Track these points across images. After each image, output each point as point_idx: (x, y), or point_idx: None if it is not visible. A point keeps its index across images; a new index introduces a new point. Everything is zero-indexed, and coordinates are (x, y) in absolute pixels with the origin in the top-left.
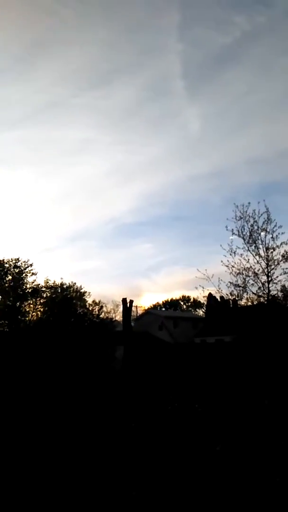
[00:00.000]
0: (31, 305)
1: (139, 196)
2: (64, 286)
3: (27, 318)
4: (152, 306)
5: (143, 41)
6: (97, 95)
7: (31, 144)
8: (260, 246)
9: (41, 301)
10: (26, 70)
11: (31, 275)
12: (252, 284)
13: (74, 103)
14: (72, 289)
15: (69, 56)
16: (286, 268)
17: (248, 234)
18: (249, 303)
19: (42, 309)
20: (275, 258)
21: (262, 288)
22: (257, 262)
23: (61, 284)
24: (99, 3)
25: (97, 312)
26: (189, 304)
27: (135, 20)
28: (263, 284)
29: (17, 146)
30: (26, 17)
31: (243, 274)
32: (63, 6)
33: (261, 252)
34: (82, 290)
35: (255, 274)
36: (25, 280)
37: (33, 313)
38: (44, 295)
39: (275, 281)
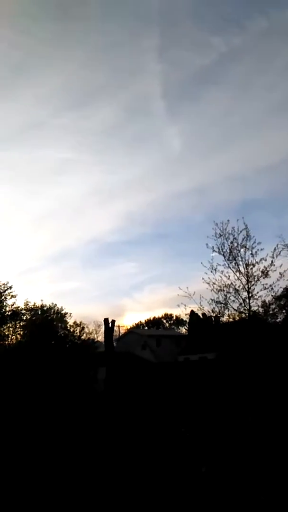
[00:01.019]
0: (11, 328)
1: (121, 215)
2: (45, 308)
3: (6, 342)
4: (135, 325)
5: (123, 62)
6: (78, 115)
7: (11, 164)
8: (240, 262)
9: (21, 324)
10: (6, 91)
11: (10, 298)
12: (233, 300)
13: (54, 124)
14: (52, 310)
15: (49, 77)
16: (266, 284)
17: (228, 251)
18: (231, 320)
19: (22, 332)
20: (255, 274)
21: (243, 304)
22: (238, 278)
23: (41, 306)
24: (77, 26)
25: (78, 334)
26: (172, 322)
27: (115, 41)
28: (244, 300)
29: None
30: (3, 39)
31: (224, 290)
32: (41, 29)
33: (241, 269)
34: (63, 312)
35: (236, 291)
36: (4, 303)
37: (13, 337)
38: (24, 318)
39: (255, 297)
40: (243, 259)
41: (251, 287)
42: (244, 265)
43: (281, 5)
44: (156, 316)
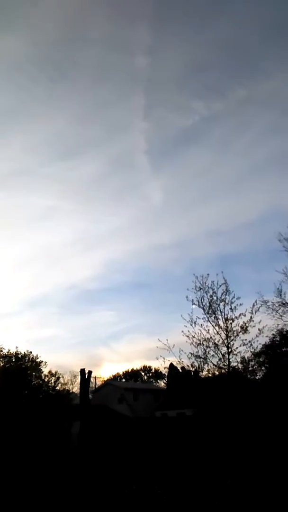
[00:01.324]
0: None
1: (102, 263)
2: (19, 355)
3: None
4: (112, 376)
5: (111, 118)
6: (65, 165)
7: None
8: (220, 316)
9: None
10: None
11: None
12: (213, 355)
13: (41, 172)
14: (27, 358)
15: (40, 128)
16: (245, 340)
17: (207, 304)
18: (210, 375)
19: None
20: (234, 329)
21: (222, 360)
22: (217, 332)
23: (15, 353)
24: (72, 86)
25: (53, 384)
26: (150, 374)
27: (105, 100)
28: (223, 355)
29: None
30: (2, 90)
31: (203, 345)
32: (38, 87)
33: (221, 323)
34: (38, 360)
35: (216, 345)
36: None
37: None
38: None
39: (235, 352)
40: (223, 313)
41: (231, 342)
42: (224, 319)
43: (258, 77)
44: (134, 368)
